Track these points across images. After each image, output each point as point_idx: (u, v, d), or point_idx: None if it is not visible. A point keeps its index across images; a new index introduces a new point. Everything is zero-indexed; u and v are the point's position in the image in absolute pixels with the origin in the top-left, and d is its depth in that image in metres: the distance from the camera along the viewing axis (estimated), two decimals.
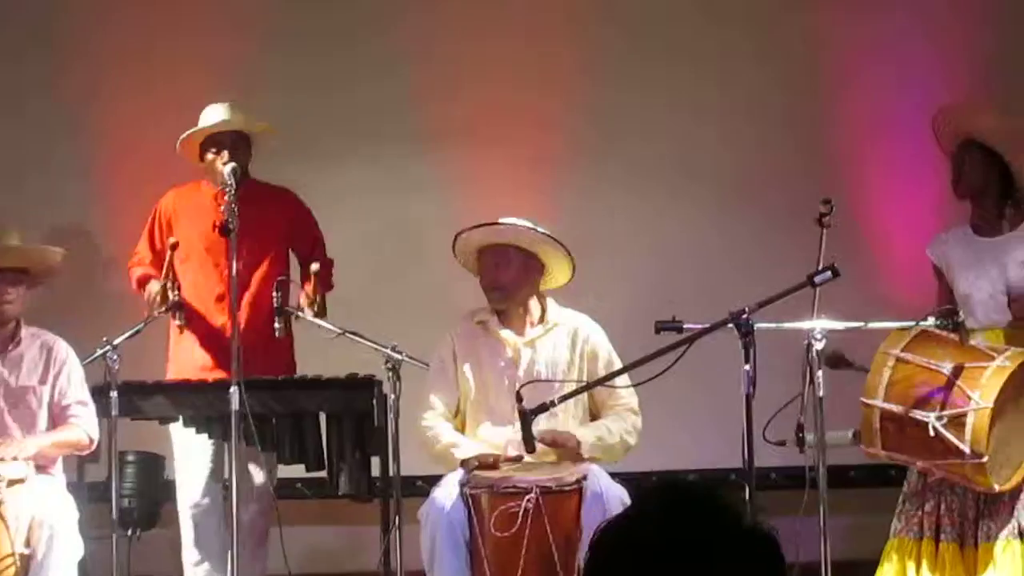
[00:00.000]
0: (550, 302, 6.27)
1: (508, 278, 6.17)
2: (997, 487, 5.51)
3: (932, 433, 5.42)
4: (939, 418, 5.42)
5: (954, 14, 7.82)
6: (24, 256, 6.35)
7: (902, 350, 5.56)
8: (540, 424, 5.79)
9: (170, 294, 6.68)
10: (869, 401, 5.55)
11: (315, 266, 6.54)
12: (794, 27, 7.84)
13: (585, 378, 6.09)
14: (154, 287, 6.72)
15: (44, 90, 7.85)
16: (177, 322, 6.72)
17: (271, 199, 6.85)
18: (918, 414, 5.46)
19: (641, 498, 2.44)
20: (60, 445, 6.24)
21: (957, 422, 5.43)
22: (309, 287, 6.60)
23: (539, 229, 6.16)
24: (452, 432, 6.14)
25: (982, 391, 5.42)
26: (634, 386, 6.01)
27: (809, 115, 7.79)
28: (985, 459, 5.39)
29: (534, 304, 6.24)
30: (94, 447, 6.29)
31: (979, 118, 6.18)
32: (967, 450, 5.40)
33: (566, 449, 5.97)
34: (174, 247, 6.66)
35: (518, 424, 5.68)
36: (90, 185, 7.87)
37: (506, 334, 6.20)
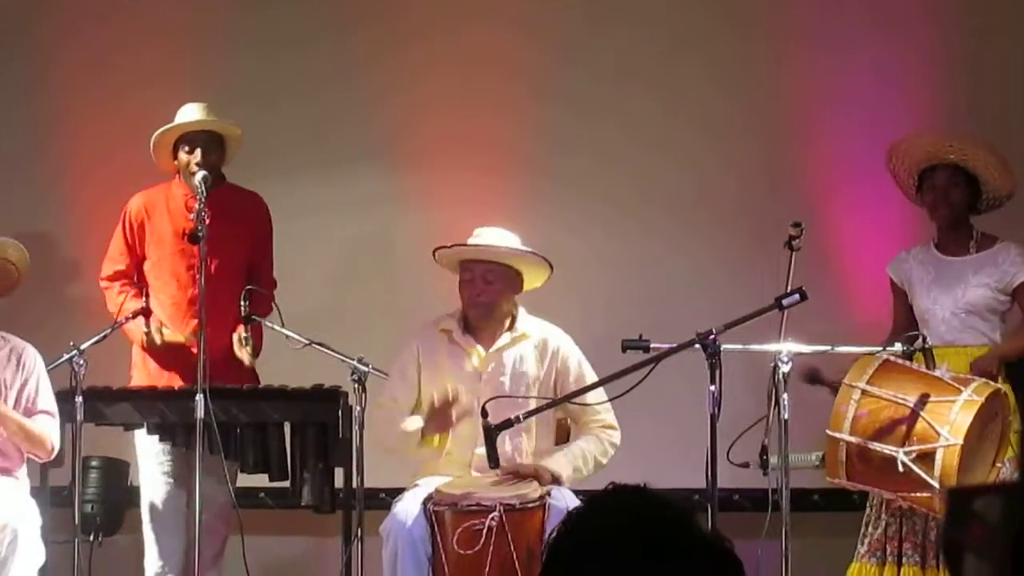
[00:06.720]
0: (520, 311, 6.17)
1: (492, 296, 6.08)
2: None
3: (901, 468, 5.42)
4: (907, 453, 5.41)
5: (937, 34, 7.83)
6: None
7: (867, 383, 5.53)
8: (505, 441, 5.78)
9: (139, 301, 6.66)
10: (834, 434, 5.53)
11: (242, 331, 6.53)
12: (758, 53, 7.82)
13: (553, 392, 6.03)
14: (156, 338, 6.67)
15: (12, 99, 7.86)
16: (144, 329, 6.68)
17: (243, 206, 6.83)
18: (886, 449, 5.45)
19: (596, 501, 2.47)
20: (28, 433, 6.14)
21: (926, 457, 5.40)
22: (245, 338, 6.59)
23: (522, 248, 6.10)
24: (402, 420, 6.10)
25: (951, 427, 5.38)
26: (601, 404, 6.01)
27: (776, 139, 7.79)
28: None
29: (507, 312, 6.16)
30: (53, 456, 6.23)
31: (946, 140, 6.22)
32: (936, 485, 5.38)
33: (544, 479, 5.91)
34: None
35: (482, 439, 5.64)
36: (49, 188, 7.85)
37: (470, 344, 6.13)
